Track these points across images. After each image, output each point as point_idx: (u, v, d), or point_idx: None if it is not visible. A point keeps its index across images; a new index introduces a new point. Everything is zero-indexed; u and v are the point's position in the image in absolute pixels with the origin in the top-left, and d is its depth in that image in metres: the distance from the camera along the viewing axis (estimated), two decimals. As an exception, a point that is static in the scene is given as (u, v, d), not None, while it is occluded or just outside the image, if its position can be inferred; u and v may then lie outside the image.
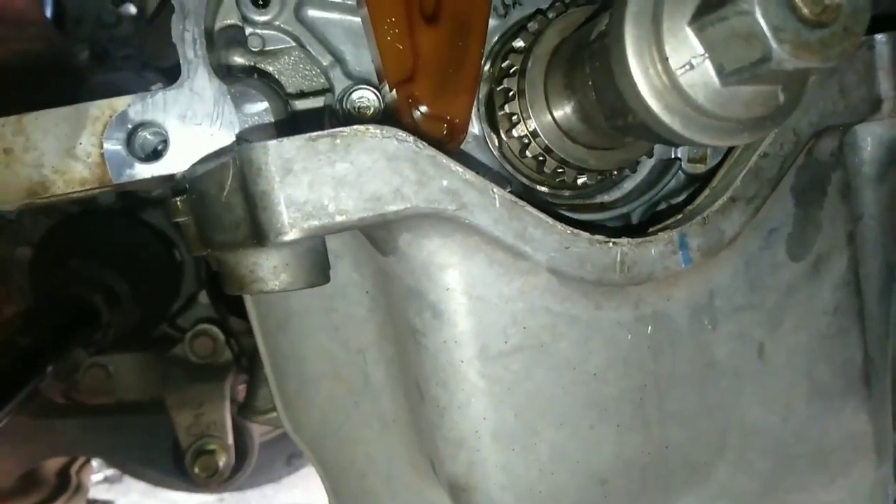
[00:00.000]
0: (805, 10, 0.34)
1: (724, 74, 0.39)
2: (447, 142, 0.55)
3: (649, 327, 0.57)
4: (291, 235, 0.48)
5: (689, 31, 0.39)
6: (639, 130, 0.47)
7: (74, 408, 1.55)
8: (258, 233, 0.48)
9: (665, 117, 0.41)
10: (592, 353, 0.56)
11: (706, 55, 0.39)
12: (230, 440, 1.52)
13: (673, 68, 0.39)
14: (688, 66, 0.39)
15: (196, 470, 1.50)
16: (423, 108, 0.55)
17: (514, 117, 0.58)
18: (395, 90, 0.55)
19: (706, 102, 0.40)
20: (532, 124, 0.58)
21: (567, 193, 0.64)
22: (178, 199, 0.59)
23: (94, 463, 2.55)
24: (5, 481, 1.57)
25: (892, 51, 0.60)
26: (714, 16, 0.37)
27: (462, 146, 0.60)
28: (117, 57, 1.42)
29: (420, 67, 0.54)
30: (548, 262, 0.53)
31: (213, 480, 1.52)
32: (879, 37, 0.59)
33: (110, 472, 2.92)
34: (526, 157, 0.59)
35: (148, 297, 1.45)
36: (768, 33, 0.34)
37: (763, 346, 0.61)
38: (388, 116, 0.59)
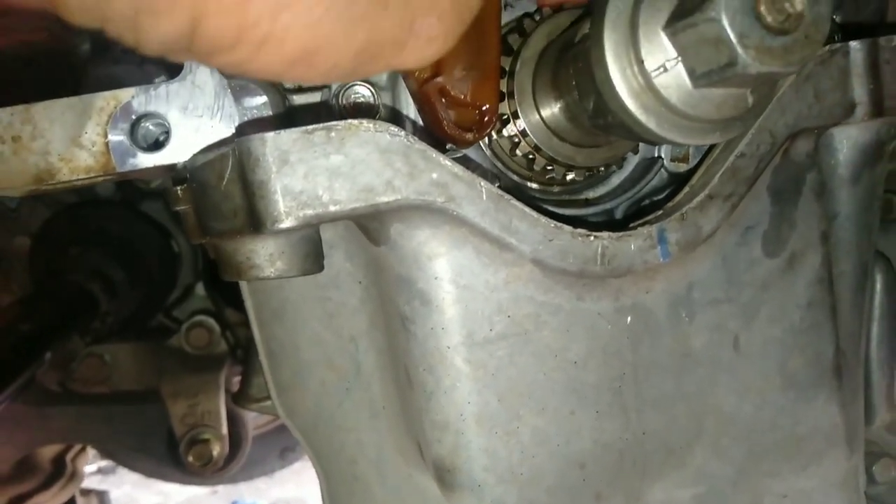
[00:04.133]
0: (769, 18, 0.37)
1: (695, 77, 0.41)
2: (480, 127, 0.57)
3: (629, 318, 0.60)
4: (287, 223, 0.50)
5: (663, 36, 0.41)
6: (619, 129, 0.49)
7: (70, 396, 1.57)
8: (255, 221, 0.51)
9: (641, 117, 0.44)
10: (574, 342, 0.59)
11: (679, 58, 0.41)
12: (224, 430, 1.55)
13: (648, 70, 0.42)
14: (662, 69, 0.42)
15: (190, 458, 1.52)
16: (453, 99, 0.57)
17: (504, 117, 0.61)
18: (424, 86, 0.56)
19: (679, 103, 0.42)
20: (521, 124, 0.60)
21: (556, 189, 0.67)
22: (178, 188, 0.61)
23: (90, 453, 2.57)
24: (1, 468, 1.59)
25: (866, 58, 0.62)
26: (685, 21, 0.39)
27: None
28: (118, 49, 1.44)
29: (444, 61, 0.55)
30: (532, 253, 0.55)
31: (206, 469, 1.54)
32: (854, 44, 0.62)
33: (104, 463, 2.94)
34: (516, 155, 0.62)
35: (145, 288, 1.47)
36: (734, 39, 0.37)
37: (738, 337, 0.64)
38: (421, 111, 0.60)
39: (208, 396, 1.55)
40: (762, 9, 0.37)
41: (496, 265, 0.56)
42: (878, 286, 0.81)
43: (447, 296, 0.56)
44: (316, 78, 0.45)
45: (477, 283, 0.56)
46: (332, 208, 0.50)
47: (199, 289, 1.61)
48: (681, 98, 0.42)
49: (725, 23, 0.37)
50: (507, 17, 0.64)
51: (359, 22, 0.41)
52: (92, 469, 2.96)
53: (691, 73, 0.41)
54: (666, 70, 0.42)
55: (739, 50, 0.37)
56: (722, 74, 0.39)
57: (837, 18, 0.76)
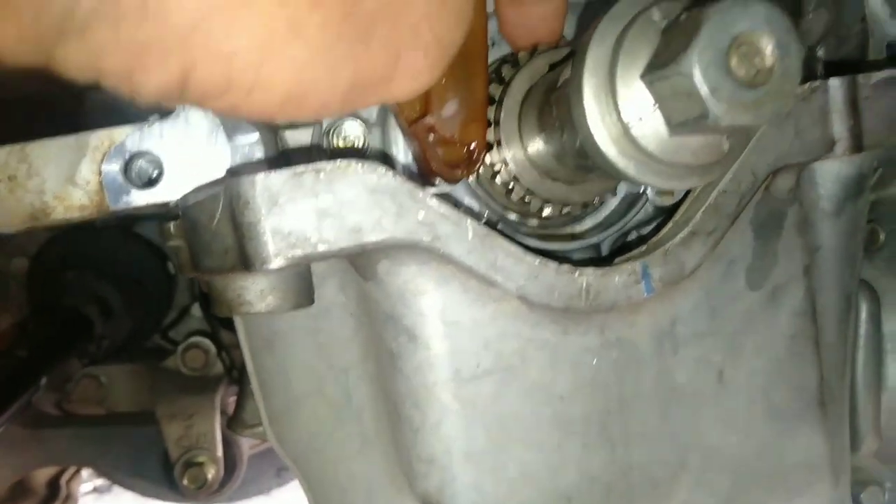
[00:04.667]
0: (740, 73, 0.38)
1: (671, 125, 0.42)
2: (468, 164, 0.59)
3: (614, 352, 0.61)
4: (276, 264, 0.51)
5: (640, 85, 0.43)
6: (601, 171, 0.50)
7: (65, 418, 1.57)
8: (245, 260, 0.52)
9: (619, 163, 0.45)
10: (560, 376, 0.60)
11: (656, 107, 0.43)
12: (219, 452, 1.54)
13: (625, 119, 0.43)
14: (639, 117, 0.43)
15: (185, 481, 1.52)
16: (441, 136, 0.58)
17: (490, 146, 0.62)
18: (414, 125, 0.58)
19: (656, 151, 0.43)
20: (503, 153, 0.61)
21: (535, 222, 0.68)
22: (171, 224, 0.62)
23: (84, 473, 2.56)
24: (-4, 491, 1.59)
25: (845, 94, 0.64)
26: (660, 73, 0.40)
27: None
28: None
29: (433, 101, 0.57)
30: (518, 290, 0.56)
31: (201, 492, 1.54)
32: (833, 81, 0.63)
33: (99, 482, 2.92)
34: (496, 184, 0.63)
35: (141, 309, 1.47)
36: (704, 94, 0.38)
37: (723, 370, 0.65)
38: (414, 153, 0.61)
39: (203, 418, 1.55)
40: (733, 63, 0.38)
41: (482, 301, 0.57)
42: (864, 315, 0.82)
43: (434, 332, 0.57)
44: (307, 117, 0.46)
45: (463, 319, 0.57)
46: (321, 248, 0.51)
47: (196, 310, 1.62)
48: (658, 146, 0.43)
49: (697, 77, 0.38)
50: (502, 50, 0.66)
51: (343, 63, 0.42)
52: (88, 488, 2.95)
53: (668, 121, 0.42)
54: (642, 119, 0.43)
55: (711, 104, 0.38)
56: (695, 126, 0.40)
57: (821, 55, 0.78)
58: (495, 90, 0.62)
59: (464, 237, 0.54)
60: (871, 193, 0.90)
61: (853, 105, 0.64)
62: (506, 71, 0.63)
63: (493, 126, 0.62)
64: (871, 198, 0.89)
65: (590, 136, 0.46)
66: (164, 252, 1.56)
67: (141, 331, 1.54)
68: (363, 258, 0.57)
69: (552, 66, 0.59)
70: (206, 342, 1.57)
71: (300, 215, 0.51)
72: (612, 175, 0.48)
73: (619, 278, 0.58)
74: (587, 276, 0.57)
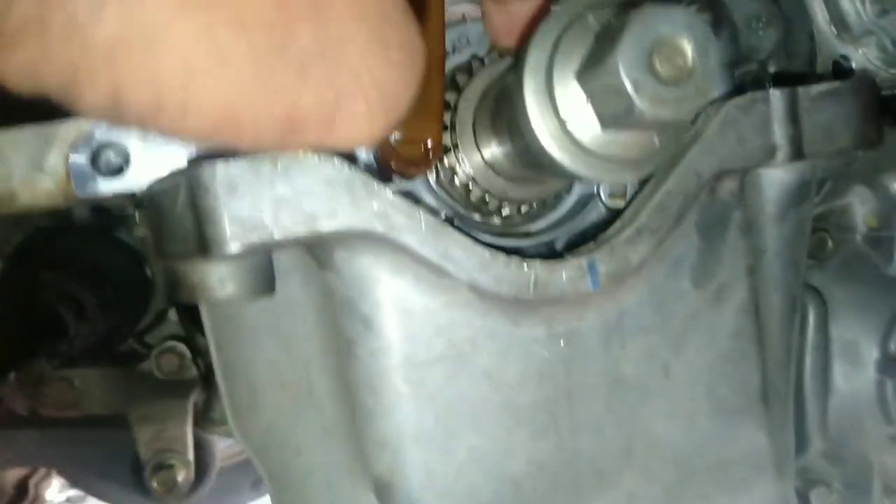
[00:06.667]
0: (662, 72, 0.41)
1: (603, 121, 0.45)
2: (425, 161, 0.61)
3: (562, 343, 0.63)
4: (233, 248, 0.53)
5: (575, 84, 0.46)
6: (545, 168, 0.53)
7: (36, 419, 1.57)
8: (204, 244, 0.54)
9: (556, 154, 0.48)
10: (509, 365, 0.62)
11: (589, 103, 0.46)
12: (191, 456, 1.55)
13: (562, 115, 0.46)
14: (575, 113, 0.46)
15: (155, 484, 1.52)
16: (399, 135, 0.61)
17: (447, 149, 0.65)
18: None
19: (591, 144, 0.46)
20: (460, 155, 0.64)
21: (497, 222, 0.70)
22: (138, 211, 0.64)
23: (57, 483, 2.53)
24: (-36, 492, 1.58)
25: (786, 105, 0.67)
26: (591, 71, 0.44)
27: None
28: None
29: None
30: (468, 280, 0.59)
31: (171, 495, 1.54)
32: (774, 92, 0.67)
33: (72, 493, 2.89)
34: (455, 185, 0.66)
35: (116, 312, 1.48)
36: (629, 90, 0.41)
37: (668, 365, 0.67)
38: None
39: (176, 422, 1.56)
40: (656, 63, 0.41)
41: (435, 291, 0.60)
42: (811, 320, 0.85)
43: (388, 319, 0.60)
44: (246, 146, 0.46)
45: (416, 307, 0.60)
46: (277, 235, 0.54)
47: (172, 314, 1.62)
48: (592, 140, 0.46)
49: (623, 74, 0.41)
50: (460, 58, 0.69)
51: (277, 94, 0.42)
52: (61, 499, 2.91)
53: (600, 117, 0.45)
54: (577, 115, 0.46)
55: (635, 99, 0.41)
56: (624, 120, 0.43)
57: (771, 68, 0.82)
58: (451, 97, 0.65)
59: (417, 228, 0.57)
60: (822, 205, 0.94)
61: (793, 115, 0.67)
62: (460, 79, 0.66)
63: (449, 131, 0.65)
64: (821, 209, 0.93)
65: (531, 131, 0.49)
66: (142, 255, 1.57)
67: (115, 334, 1.54)
68: (321, 248, 0.60)
69: (503, 75, 0.62)
70: (182, 347, 1.58)
71: (257, 202, 0.53)
72: (553, 170, 0.51)
73: (566, 272, 0.61)
74: (535, 269, 0.60)
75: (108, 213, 1.51)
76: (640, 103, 0.41)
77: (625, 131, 0.46)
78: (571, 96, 0.46)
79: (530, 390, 0.63)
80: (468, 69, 0.66)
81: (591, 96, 0.44)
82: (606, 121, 0.44)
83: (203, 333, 1.60)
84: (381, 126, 0.46)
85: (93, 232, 1.53)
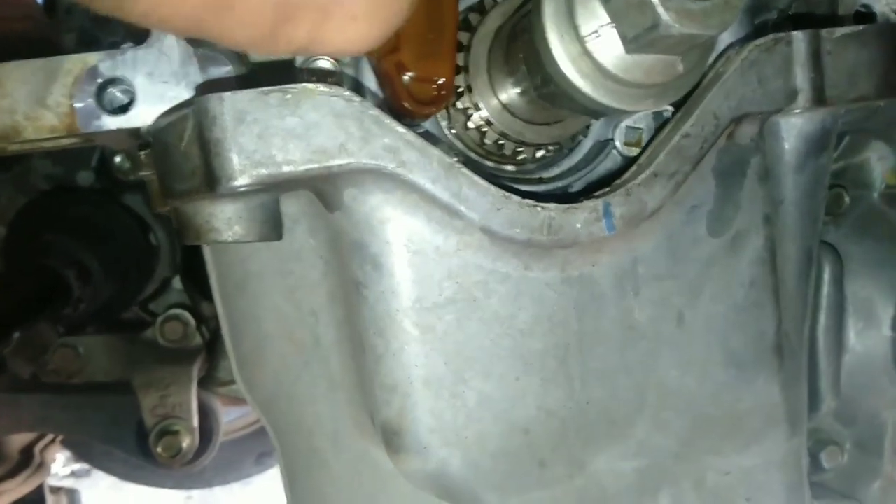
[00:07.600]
0: (689, -16, 0.40)
1: (626, 41, 0.44)
2: (438, 100, 0.59)
3: (575, 289, 0.62)
4: (241, 181, 0.52)
5: (597, 3, 0.44)
6: (562, 99, 0.52)
7: (41, 384, 1.57)
8: (211, 178, 0.53)
9: (577, 81, 0.46)
10: (521, 310, 0.61)
11: (612, 24, 0.44)
12: (195, 422, 1.55)
13: (583, 35, 0.44)
14: (596, 34, 0.44)
15: (159, 449, 1.52)
16: (411, 74, 0.59)
17: (460, 90, 0.63)
18: (383, 61, 0.59)
19: (612, 68, 0.45)
20: (475, 98, 0.62)
21: (511, 168, 0.69)
22: (143, 152, 0.63)
23: (62, 456, 2.54)
24: (-31, 456, 1.58)
25: (809, 47, 0.65)
26: (615, -12, 0.42)
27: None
28: (105, 42, 1.46)
29: (403, 38, 0.58)
30: (481, 221, 0.57)
31: (175, 461, 1.54)
32: (797, 34, 0.65)
33: (77, 466, 2.91)
34: (469, 128, 0.64)
35: (121, 278, 1.47)
36: (656, 2, 0.39)
37: (682, 313, 0.66)
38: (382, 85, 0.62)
39: (180, 389, 1.55)
40: (683, -25, 0.39)
41: (446, 232, 0.58)
42: (826, 277, 0.84)
43: (398, 260, 0.58)
44: (236, 35, 0.44)
45: (427, 248, 0.58)
46: (286, 168, 0.52)
47: (177, 282, 1.62)
48: (614, 63, 0.45)
49: (649, -13, 0.39)
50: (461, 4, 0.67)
51: None
52: (66, 472, 2.93)
53: (623, 38, 0.44)
54: (599, 35, 0.44)
55: (661, 12, 0.39)
56: (648, 37, 0.41)
57: (791, 11, 0.80)
58: (463, 37, 0.63)
59: (428, 165, 0.55)
60: (840, 161, 0.92)
61: (816, 58, 0.65)
62: (473, 18, 0.64)
63: (462, 72, 0.63)
64: (838, 165, 0.91)
65: (551, 58, 0.47)
66: (148, 222, 1.56)
67: (120, 299, 1.54)
68: (330, 186, 0.58)
69: (517, 10, 0.60)
70: (186, 315, 1.57)
71: (266, 135, 0.52)
72: (574, 102, 0.50)
73: (581, 215, 0.59)
74: (549, 211, 0.58)
75: (114, 179, 1.50)
76: (665, 17, 0.39)
77: (649, 54, 0.44)
78: (593, 17, 0.44)
79: (541, 336, 0.61)
80: (480, 7, 0.64)
81: (616, 15, 0.43)
82: (630, 41, 0.43)
83: (209, 301, 1.59)
84: (377, 29, 0.44)
85: (98, 197, 1.52)
